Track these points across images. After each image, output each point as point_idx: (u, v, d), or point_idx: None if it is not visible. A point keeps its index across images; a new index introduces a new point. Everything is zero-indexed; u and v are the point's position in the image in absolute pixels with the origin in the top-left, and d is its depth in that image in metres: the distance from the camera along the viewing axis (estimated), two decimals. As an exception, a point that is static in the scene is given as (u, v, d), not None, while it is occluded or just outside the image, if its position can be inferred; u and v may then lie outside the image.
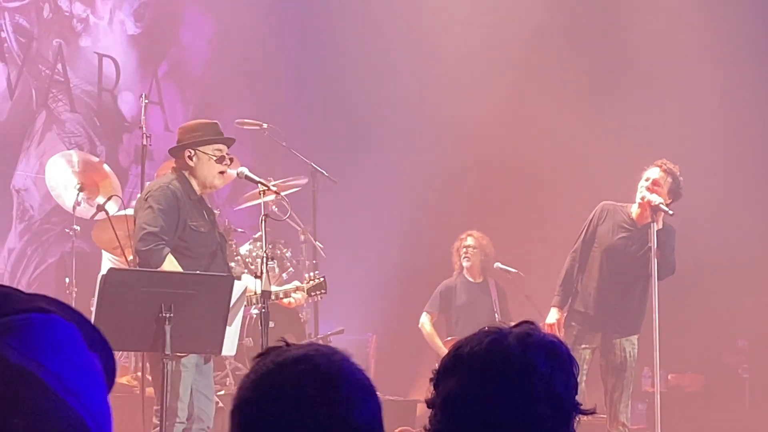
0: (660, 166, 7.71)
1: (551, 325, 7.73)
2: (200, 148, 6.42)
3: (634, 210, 7.82)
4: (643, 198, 7.68)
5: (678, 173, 7.72)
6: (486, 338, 2.08)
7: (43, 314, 1.21)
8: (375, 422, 1.79)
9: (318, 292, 7.01)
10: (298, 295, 6.91)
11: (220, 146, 6.49)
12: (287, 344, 1.86)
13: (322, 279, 7.03)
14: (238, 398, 1.81)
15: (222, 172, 6.51)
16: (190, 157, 6.42)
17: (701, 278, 9.98)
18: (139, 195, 6.83)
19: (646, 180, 7.72)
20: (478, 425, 2.00)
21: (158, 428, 6.06)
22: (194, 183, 6.45)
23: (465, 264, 9.64)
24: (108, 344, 1.29)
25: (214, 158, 6.44)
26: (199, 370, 6.29)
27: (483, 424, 2.00)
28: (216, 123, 6.67)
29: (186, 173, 6.44)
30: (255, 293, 6.28)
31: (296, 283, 7.08)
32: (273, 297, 6.65)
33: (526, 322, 2.16)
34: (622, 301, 7.74)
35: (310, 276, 7.11)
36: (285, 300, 6.85)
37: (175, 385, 6.11)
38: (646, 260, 7.68)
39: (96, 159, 9.29)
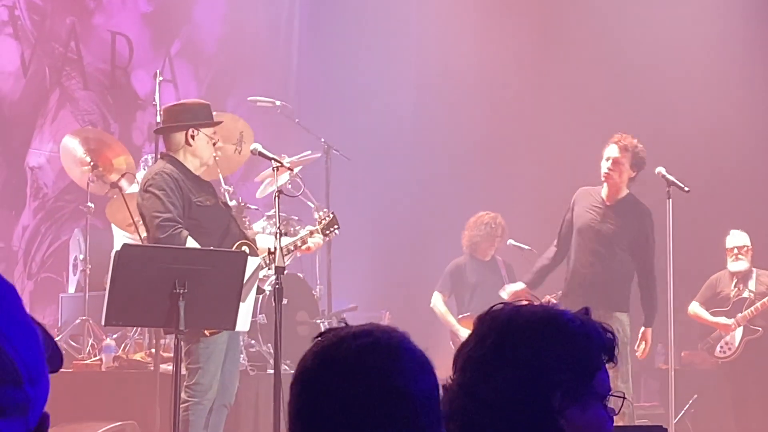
0: (616, 143, 7.76)
1: (514, 293, 8.02)
2: (202, 129, 6.43)
3: (604, 190, 7.86)
4: (605, 175, 7.74)
5: (635, 143, 7.73)
6: (508, 306, 2.14)
7: None
8: (432, 397, 1.82)
9: (332, 229, 6.99)
10: (316, 239, 6.90)
11: (213, 129, 6.52)
12: (346, 324, 1.89)
13: (332, 215, 7.02)
14: (299, 369, 1.85)
15: (213, 155, 6.54)
16: (193, 137, 6.41)
17: (716, 256, 9.96)
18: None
19: (607, 159, 7.78)
20: (490, 383, 2.03)
21: (187, 404, 6.08)
22: (190, 163, 6.42)
23: (491, 252, 9.68)
24: (49, 333, 1.30)
25: (212, 140, 6.47)
26: (227, 344, 6.30)
27: (495, 382, 2.03)
28: (209, 104, 6.68)
29: (180, 154, 6.42)
30: (269, 251, 6.27)
31: (309, 227, 7.05)
32: (292, 248, 6.67)
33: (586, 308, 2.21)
34: (601, 278, 7.76)
35: (320, 216, 7.08)
36: (303, 247, 6.86)
37: (206, 362, 6.13)
38: (621, 237, 7.73)
39: (110, 136, 9.30)
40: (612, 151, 7.74)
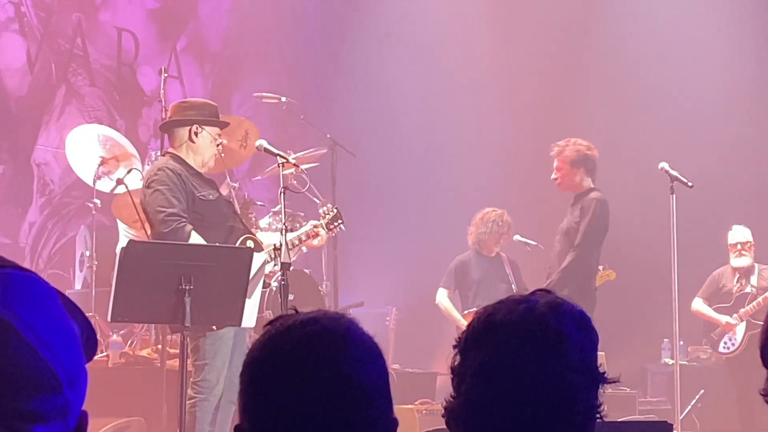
0: (551, 154, 8.15)
1: None
2: (206, 127, 6.42)
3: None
4: (557, 186, 8.18)
5: (571, 143, 8.08)
6: (518, 306, 2.05)
7: (21, 271, 1.24)
8: (381, 383, 1.80)
9: (336, 223, 7.00)
10: (320, 233, 6.92)
11: (219, 130, 6.51)
12: (296, 311, 1.88)
13: (336, 210, 7.03)
14: (248, 358, 1.84)
15: (215, 155, 6.54)
16: (196, 134, 6.40)
17: (719, 252, 9.98)
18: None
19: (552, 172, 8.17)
20: (513, 393, 1.99)
21: (194, 400, 6.09)
22: (192, 160, 6.42)
23: (496, 249, 9.67)
24: (86, 316, 1.32)
25: (216, 141, 6.46)
26: (234, 340, 6.30)
27: (518, 392, 1.99)
28: (216, 105, 6.69)
29: (182, 150, 6.42)
30: (274, 246, 6.28)
31: (312, 222, 7.06)
32: (297, 242, 6.68)
33: (542, 290, 2.14)
34: (556, 281, 7.93)
35: (324, 211, 7.09)
36: (306, 241, 6.88)
37: (213, 358, 6.13)
38: (576, 230, 7.95)
39: (116, 133, 9.31)
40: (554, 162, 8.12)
